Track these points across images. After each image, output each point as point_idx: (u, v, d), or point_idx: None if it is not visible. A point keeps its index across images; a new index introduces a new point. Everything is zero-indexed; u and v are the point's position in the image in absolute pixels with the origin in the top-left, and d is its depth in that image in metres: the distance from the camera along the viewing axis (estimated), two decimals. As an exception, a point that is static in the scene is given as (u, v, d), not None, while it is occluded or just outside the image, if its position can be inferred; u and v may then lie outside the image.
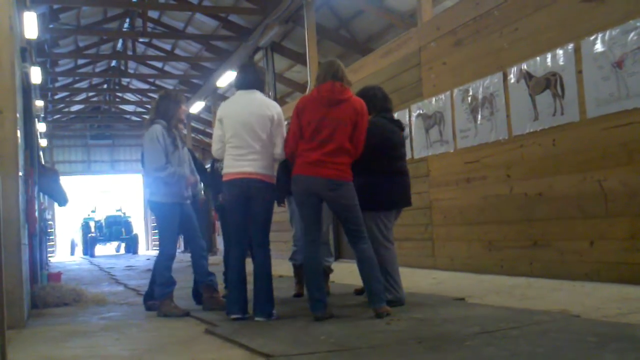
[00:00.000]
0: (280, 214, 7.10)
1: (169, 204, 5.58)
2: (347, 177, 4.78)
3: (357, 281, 6.69)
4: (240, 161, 4.94)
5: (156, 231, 6.74)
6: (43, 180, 8.17)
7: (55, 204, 11.97)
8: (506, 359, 3.05)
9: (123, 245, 29.64)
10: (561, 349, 3.22)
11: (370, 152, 4.99)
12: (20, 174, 5.64)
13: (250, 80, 5.11)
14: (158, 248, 6.14)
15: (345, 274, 7.47)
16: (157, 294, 5.59)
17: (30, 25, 8.27)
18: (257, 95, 5.07)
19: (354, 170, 4.84)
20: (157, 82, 22.89)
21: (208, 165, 7.56)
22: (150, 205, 5.80)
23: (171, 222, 5.62)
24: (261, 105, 5.00)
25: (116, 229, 28.44)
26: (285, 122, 6.57)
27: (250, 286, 5.00)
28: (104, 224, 28.84)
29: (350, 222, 4.82)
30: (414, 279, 6.76)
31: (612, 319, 3.94)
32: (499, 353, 3.20)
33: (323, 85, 4.81)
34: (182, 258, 11.04)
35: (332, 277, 6.53)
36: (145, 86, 23.78)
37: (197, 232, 5.88)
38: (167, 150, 5.54)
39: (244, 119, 4.95)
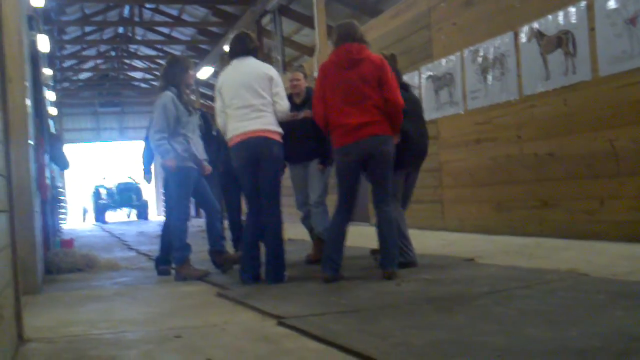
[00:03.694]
0: (288, 178, 7.10)
1: (185, 168, 5.58)
2: (389, 131, 4.71)
3: (368, 243, 6.73)
4: (244, 121, 4.88)
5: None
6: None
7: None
8: (515, 318, 3.07)
9: (134, 211, 29.87)
10: (570, 307, 3.23)
11: None
12: (31, 142, 5.66)
13: (242, 47, 5.06)
14: (168, 213, 6.18)
15: (355, 236, 7.48)
16: (175, 259, 5.62)
17: (36, -8, 8.22)
18: (251, 59, 5.05)
19: None
20: (165, 48, 22.75)
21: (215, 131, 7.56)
22: (166, 170, 5.76)
23: (187, 186, 5.62)
24: (258, 66, 5.00)
25: (127, 195, 28.61)
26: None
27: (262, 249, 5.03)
28: (115, 191, 29.03)
29: (384, 181, 4.75)
30: (423, 241, 6.78)
31: (622, 277, 3.94)
32: (508, 312, 3.22)
33: (340, 47, 4.75)
34: (193, 222, 11.11)
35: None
36: (153, 52, 23.65)
37: (211, 195, 5.91)
38: (181, 116, 5.53)
39: (242, 79, 4.92)
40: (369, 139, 4.64)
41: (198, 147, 5.70)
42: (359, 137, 4.63)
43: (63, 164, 8.54)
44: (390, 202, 4.81)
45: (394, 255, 4.72)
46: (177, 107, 5.50)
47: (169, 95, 5.53)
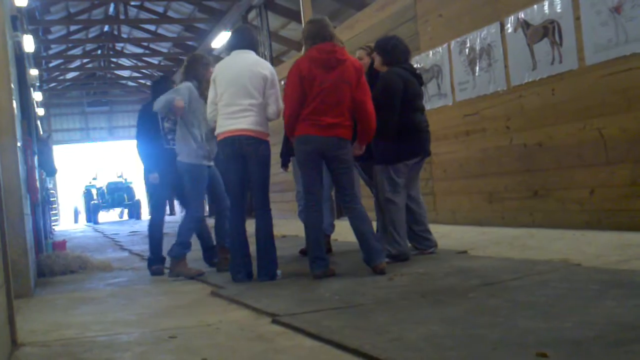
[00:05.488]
0: (282, 174, 7.09)
1: (199, 166, 5.57)
2: (350, 136, 4.79)
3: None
4: (232, 119, 4.87)
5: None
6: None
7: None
8: (509, 310, 3.08)
9: (126, 211, 29.78)
10: (563, 297, 3.25)
11: (390, 102, 5.01)
12: (19, 144, 5.63)
13: (244, 41, 5.06)
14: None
15: (347, 231, 7.49)
16: (174, 252, 5.60)
17: (19, -8, 8.14)
18: (251, 54, 5.03)
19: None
20: (152, 45, 22.63)
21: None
22: (180, 167, 5.67)
23: (201, 184, 5.62)
24: (255, 64, 4.95)
25: (118, 195, 28.53)
26: (282, 82, 6.52)
27: (253, 247, 5.01)
28: (106, 191, 28.92)
29: (347, 182, 4.81)
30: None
31: (613, 266, 3.97)
32: (501, 304, 3.23)
33: (321, 45, 4.71)
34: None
35: (334, 235, 6.55)
36: (140, 50, 23.53)
37: (223, 193, 5.91)
38: (199, 107, 5.55)
39: (236, 76, 4.88)
40: (334, 139, 4.68)
41: (212, 144, 5.66)
42: (326, 134, 4.67)
43: (50, 171, 8.48)
44: (358, 200, 4.87)
45: (376, 247, 4.71)
46: (196, 98, 5.56)
47: (189, 84, 5.61)
